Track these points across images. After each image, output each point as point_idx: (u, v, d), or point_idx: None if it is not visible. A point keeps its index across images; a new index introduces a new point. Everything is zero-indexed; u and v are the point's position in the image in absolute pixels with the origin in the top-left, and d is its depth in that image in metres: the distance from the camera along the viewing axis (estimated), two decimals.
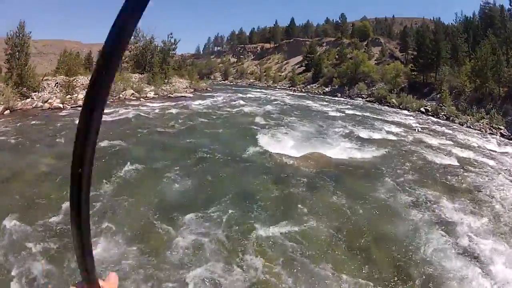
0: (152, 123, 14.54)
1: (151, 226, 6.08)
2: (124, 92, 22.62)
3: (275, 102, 27.80)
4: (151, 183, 7.99)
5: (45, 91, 18.64)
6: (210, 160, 9.89)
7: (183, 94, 27.63)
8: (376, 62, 53.27)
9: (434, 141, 15.34)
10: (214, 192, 7.73)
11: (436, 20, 61.07)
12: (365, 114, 24.61)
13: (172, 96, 26.05)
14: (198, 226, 6.16)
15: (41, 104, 16.89)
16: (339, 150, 11.60)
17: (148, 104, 20.25)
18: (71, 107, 17.30)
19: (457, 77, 30.31)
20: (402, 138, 15.44)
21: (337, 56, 57.24)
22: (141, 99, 22.63)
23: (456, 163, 11.70)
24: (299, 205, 7.37)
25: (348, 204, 7.63)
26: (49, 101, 17.31)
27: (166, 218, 6.34)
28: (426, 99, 32.11)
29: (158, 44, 33.08)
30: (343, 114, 23.14)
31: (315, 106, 27.94)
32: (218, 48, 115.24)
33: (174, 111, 18.01)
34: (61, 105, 17.04)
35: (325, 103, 31.96)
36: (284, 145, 11.76)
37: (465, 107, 25.88)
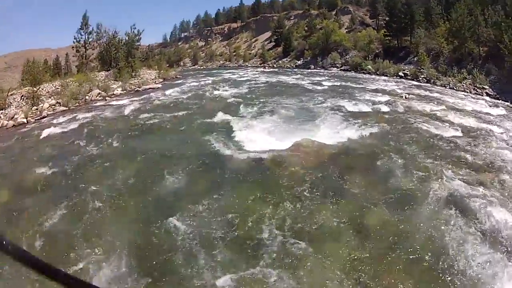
0: (115, 125, 12.41)
1: (143, 240, 5.42)
2: (90, 93, 20.13)
3: (248, 82, 25.85)
4: (126, 197, 6.79)
5: (11, 106, 16.36)
6: (182, 165, 8.06)
7: (151, 86, 25.33)
8: (346, 30, 51.57)
9: (425, 108, 14.11)
10: (193, 206, 6.19)
11: None
12: (344, 84, 23.19)
13: (140, 89, 23.80)
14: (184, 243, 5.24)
15: (7, 122, 14.80)
16: (330, 132, 9.90)
17: (113, 103, 17.98)
18: (35, 120, 15.22)
19: (433, 39, 29.18)
20: (392, 108, 14.05)
21: (306, 28, 55.00)
22: (107, 98, 20.26)
23: (459, 133, 10.46)
24: (300, 219, 5.73)
25: (362, 205, 6.10)
26: (15, 117, 15.20)
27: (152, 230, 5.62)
28: (403, 63, 31.06)
29: (122, 38, 30.22)
30: (322, 87, 21.50)
31: (291, 81, 26.29)
32: (185, 33, 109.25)
33: (141, 107, 15.80)
34: (25, 120, 14.99)
35: (299, 76, 30.37)
36: (266, 135, 9.85)
37: (445, 69, 24.85)
